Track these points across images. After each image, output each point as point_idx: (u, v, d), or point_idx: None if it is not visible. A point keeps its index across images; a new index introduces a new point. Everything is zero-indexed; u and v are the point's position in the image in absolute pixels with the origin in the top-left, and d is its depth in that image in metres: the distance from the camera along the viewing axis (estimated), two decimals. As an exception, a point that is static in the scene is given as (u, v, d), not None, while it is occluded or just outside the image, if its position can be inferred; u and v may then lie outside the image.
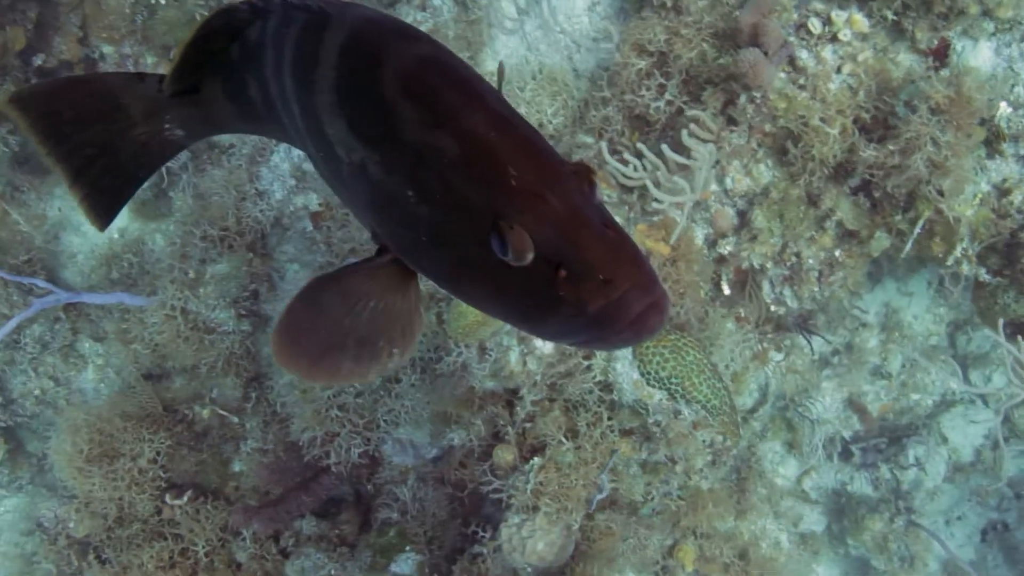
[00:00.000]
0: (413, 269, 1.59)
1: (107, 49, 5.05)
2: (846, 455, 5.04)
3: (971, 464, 5.20)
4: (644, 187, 3.38)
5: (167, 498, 4.55)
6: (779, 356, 4.35)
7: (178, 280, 4.41)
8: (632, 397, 3.37)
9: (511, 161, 1.37)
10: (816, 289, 3.89)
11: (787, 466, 4.99)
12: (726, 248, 3.83)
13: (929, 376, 5.00)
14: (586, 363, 3.47)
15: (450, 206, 1.41)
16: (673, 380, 3.30)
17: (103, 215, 1.92)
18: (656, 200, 3.21)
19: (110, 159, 1.88)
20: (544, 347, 3.57)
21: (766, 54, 3.16)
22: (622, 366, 3.38)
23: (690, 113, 3.31)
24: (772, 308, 4.01)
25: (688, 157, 3.32)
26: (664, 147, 3.27)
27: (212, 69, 1.77)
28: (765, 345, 4.25)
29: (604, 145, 3.43)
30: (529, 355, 3.57)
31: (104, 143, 1.87)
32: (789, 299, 3.92)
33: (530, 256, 1.35)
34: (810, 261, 3.79)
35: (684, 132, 3.29)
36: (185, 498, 4.54)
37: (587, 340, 1.40)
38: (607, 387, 3.47)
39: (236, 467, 4.74)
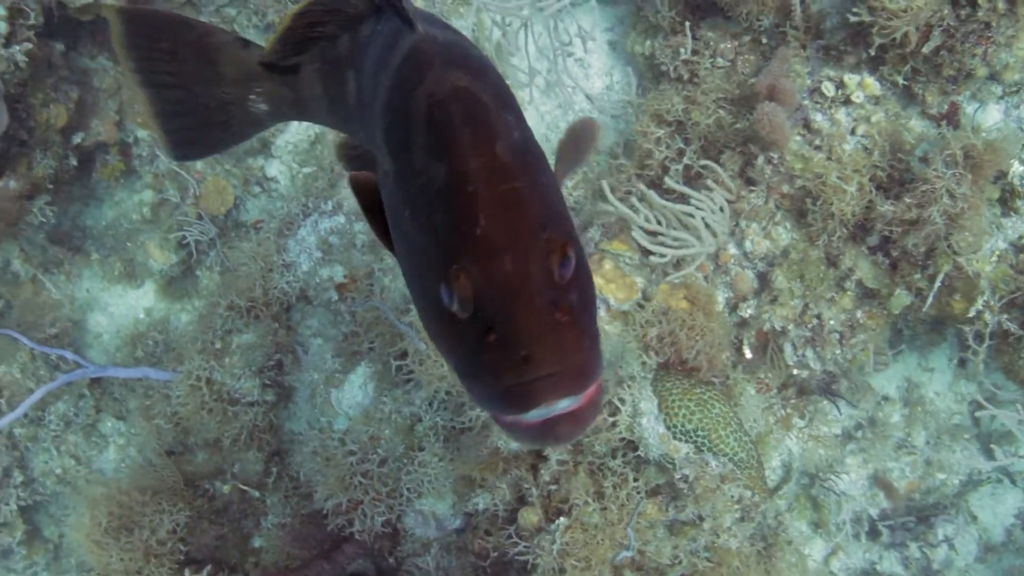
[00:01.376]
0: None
1: (141, 134, 5.25)
2: (874, 534, 4.96)
3: (1002, 544, 5.11)
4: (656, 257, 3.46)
5: (186, 573, 4.49)
6: (802, 423, 4.34)
7: (204, 350, 4.46)
8: (658, 452, 3.37)
9: (485, 211, 1.36)
10: (838, 351, 3.92)
11: (814, 546, 4.91)
12: (747, 311, 3.88)
13: (954, 455, 4.98)
14: (611, 419, 3.48)
15: (426, 236, 1.42)
16: (700, 433, 3.30)
17: (176, 148, 1.96)
18: (657, 256, 3.29)
19: (188, 97, 1.92)
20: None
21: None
22: (648, 421, 3.39)
23: (703, 162, 3.41)
24: (795, 372, 4.03)
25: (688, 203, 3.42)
26: (652, 193, 3.36)
27: (316, 54, 1.81)
28: (788, 411, 4.25)
29: (606, 184, 3.53)
30: (554, 413, 3.58)
31: (187, 83, 1.91)
32: (812, 361, 3.94)
33: (468, 309, 1.33)
34: (831, 323, 3.83)
35: (666, 177, 3.39)
36: (204, 573, 4.49)
37: (501, 422, 1.35)
38: (632, 444, 3.47)
39: (256, 543, 4.70)
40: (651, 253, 3.81)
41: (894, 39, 3.37)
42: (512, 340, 1.28)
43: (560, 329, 1.30)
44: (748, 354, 4.01)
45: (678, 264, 3.71)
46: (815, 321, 3.84)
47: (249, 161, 5.36)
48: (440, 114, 1.45)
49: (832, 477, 4.61)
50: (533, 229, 1.36)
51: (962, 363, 4.78)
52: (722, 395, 3.40)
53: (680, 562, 3.57)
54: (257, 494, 4.72)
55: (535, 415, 1.29)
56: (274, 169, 5.38)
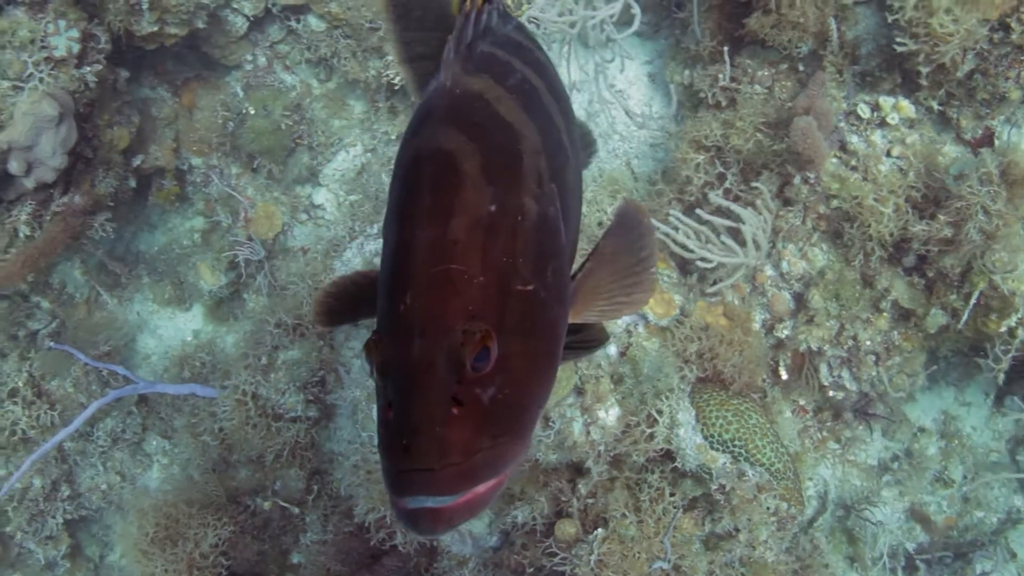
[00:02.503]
0: None
1: (196, 161, 5.46)
2: (911, 569, 4.92)
3: (1044, 583, 5.05)
4: (700, 260, 3.54)
5: (227, 586, 4.56)
6: (837, 446, 4.37)
7: (251, 365, 4.58)
8: (696, 463, 3.41)
9: (414, 288, 1.33)
10: (874, 373, 3.96)
11: (851, 582, 4.88)
12: (783, 332, 3.94)
13: (992, 491, 4.96)
14: (649, 431, 3.54)
15: (379, 291, 1.43)
16: (736, 443, 3.35)
17: None
18: (704, 260, 3.37)
19: (433, 65, 1.95)
20: (607, 418, 3.65)
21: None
22: (685, 431, 3.44)
23: (754, 185, 3.50)
24: (830, 393, 4.06)
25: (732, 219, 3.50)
26: (699, 212, 3.46)
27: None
28: (824, 434, 4.28)
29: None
30: (592, 425, 3.64)
31: (434, 49, 1.90)
32: (847, 382, 3.97)
33: (377, 380, 1.33)
34: (867, 343, 3.88)
35: (711, 194, 3.48)
36: (244, 586, 4.56)
37: (388, 495, 1.32)
38: (669, 455, 3.52)
39: (295, 559, 4.77)
40: (688, 274, 3.90)
41: (942, 64, 3.46)
42: (399, 425, 1.27)
43: (451, 425, 1.26)
44: (784, 375, 4.06)
45: (714, 281, 3.79)
46: (851, 342, 3.89)
47: (297, 189, 5.55)
48: (413, 175, 1.44)
49: (868, 508, 4.60)
50: (454, 316, 1.31)
51: (999, 399, 4.79)
52: (759, 407, 3.46)
53: (716, 576, 3.60)
54: (297, 511, 4.80)
55: (409, 501, 1.26)
56: (321, 197, 5.55)
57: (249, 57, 5.44)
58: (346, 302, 1.73)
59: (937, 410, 4.79)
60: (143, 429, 5.50)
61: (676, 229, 3.53)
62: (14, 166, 3.99)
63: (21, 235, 4.28)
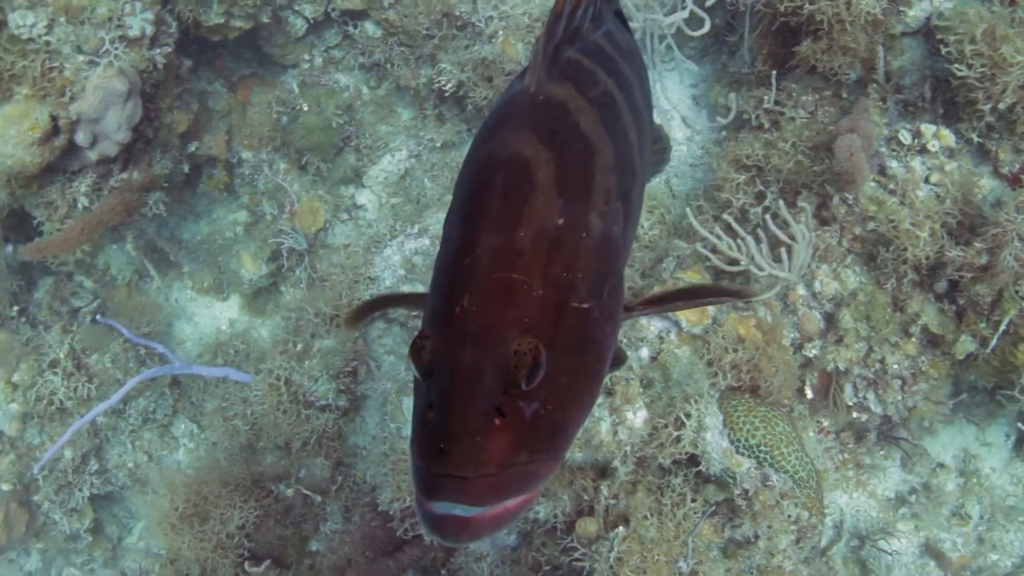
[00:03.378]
0: None
1: (246, 155, 5.62)
2: (924, 607, 4.92)
3: (1057, 629, 5.03)
4: (739, 269, 3.63)
5: (246, 566, 4.64)
6: (858, 471, 4.41)
7: (288, 351, 4.70)
8: (720, 467, 3.48)
9: (471, 292, 1.32)
10: (899, 397, 4.01)
11: (863, 618, 4.88)
12: (812, 351, 4.01)
13: (1008, 535, 4.97)
14: (676, 434, 3.61)
15: (432, 287, 1.44)
16: (763, 448, 3.42)
17: None
18: (758, 267, 3.46)
19: None
20: (635, 419, 3.73)
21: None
22: (712, 435, 3.51)
23: (801, 205, 3.59)
24: (854, 414, 4.12)
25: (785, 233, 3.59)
26: (767, 218, 3.55)
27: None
28: (845, 456, 4.33)
29: (689, 211, 3.72)
30: (620, 425, 3.72)
31: None
32: (872, 404, 4.03)
33: (421, 377, 1.33)
34: (895, 367, 3.94)
35: (767, 217, 3.57)
36: (263, 567, 4.62)
37: (415, 492, 1.32)
38: (694, 460, 3.58)
39: (313, 546, 4.83)
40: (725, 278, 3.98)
41: (989, 95, 3.55)
42: (439, 428, 1.26)
43: (491, 436, 1.25)
44: (809, 394, 4.12)
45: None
46: (878, 365, 3.95)
47: (341, 189, 5.69)
48: (484, 177, 1.43)
49: (884, 539, 4.62)
50: (508, 327, 1.31)
51: (1020, 442, 4.82)
52: (785, 415, 3.53)
53: (733, 585, 3.64)
54: (319, 499, 4.88)
55: (437, 505, 1.26)
56: (364, 198, 5.68)
57: (307, 57, 5.62)
58: (379, 307, 1.81)
59: (957, 447, 4.82)
60: (173, 411, 5.60)
61: (720, 239, 3.63)
62: (81, 137, 4.14)
63: (80, 206, 4.43)
